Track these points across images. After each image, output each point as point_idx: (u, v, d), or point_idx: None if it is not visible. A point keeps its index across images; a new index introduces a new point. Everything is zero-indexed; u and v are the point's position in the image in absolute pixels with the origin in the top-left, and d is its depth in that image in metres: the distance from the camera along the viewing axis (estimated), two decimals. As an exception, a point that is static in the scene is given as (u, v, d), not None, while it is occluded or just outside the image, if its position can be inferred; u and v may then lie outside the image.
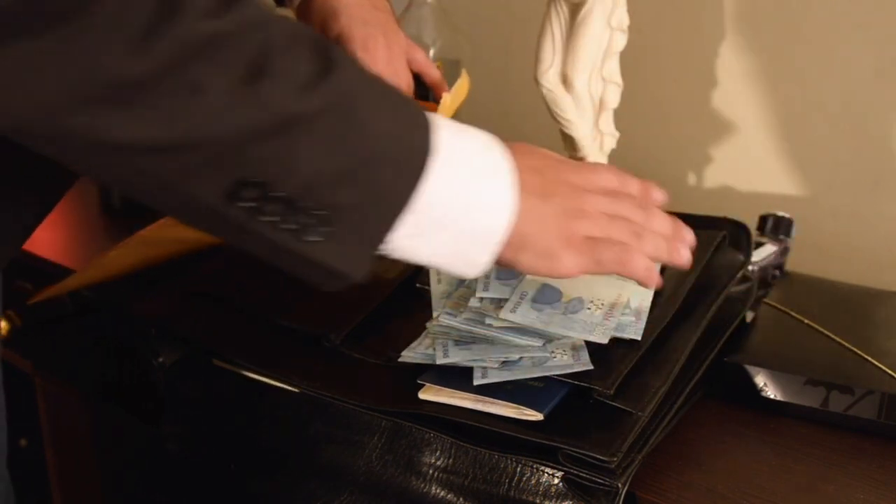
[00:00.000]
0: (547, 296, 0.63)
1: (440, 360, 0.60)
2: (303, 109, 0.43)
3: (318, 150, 0.43)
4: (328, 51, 0.45)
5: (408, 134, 0.47)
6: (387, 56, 0.71)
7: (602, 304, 0.62)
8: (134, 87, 0.40)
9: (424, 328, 0.66)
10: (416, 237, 0.48)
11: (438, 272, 0.71)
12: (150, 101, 0.40)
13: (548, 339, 0.60)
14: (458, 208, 0.48)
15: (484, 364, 0.59)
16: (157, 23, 0.39)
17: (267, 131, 0.42)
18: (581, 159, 0.89)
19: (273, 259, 0.47)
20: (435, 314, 0.65)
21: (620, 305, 0.63)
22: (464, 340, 0.62)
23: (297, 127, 0.43)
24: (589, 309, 0.62)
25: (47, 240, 0.95)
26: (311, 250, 0.45)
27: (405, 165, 0.46)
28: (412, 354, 0.62)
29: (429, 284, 0.73)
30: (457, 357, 0.60)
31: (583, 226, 0.54)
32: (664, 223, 0.57)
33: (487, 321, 0.61)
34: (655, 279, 0.55)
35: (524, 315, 0.61)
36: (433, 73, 0.79)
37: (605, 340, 0.59)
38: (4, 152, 0.48)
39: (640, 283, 0.55)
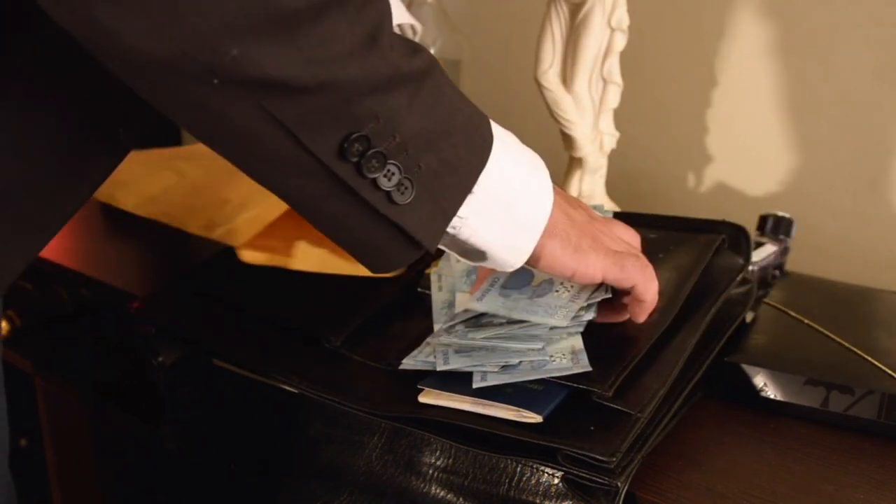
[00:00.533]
0: (517, 280, 0.64)
1: (440, 367, 0.60)
2: (412, 70, 0.46)
3: (417, 111, 0.47)
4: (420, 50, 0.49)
5: (476, 115, 0.51)
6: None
7: (571, 287, 0.62)
8: (292, 21, 0.41)
9: (425, 331, 0.66)
10: (478, 216, 0.51)
11: (440, 279, 0.72)
12: (301, 40, 0.42)
13: (547, 342, 0.60)
14: (513, 191, 0.52)
15: (484, 369, 0.59)
16: None
17: (384, 84, 0.45)
18: (581, 159, 0.89)
19: (351, 229, 0.49)
20: (436, 327, 0.66)
21: (591, 287, 0.63)
22: (464, 349, 0.62)
23: (406, 85, 0.46)
24: (557, 291, 0.62)
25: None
26: (397, 213, 0.48)
27: (477, 143, 0.50)
28: (412, 362, 0.62)
29: (429, 289, 0.73)
30: (457, 363, 0.60)
31: (607, 240, 0.59)
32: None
33: (460, 330, 0.62)
34: (648, 312, 0.61)
35: (490, 303, 0.62)
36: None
37: (565, 323, 0.60)
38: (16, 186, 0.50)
39: (636, 307, 0.60)
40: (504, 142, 0.52)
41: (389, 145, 0.46)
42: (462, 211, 0.51)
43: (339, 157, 0.45)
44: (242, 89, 0.42)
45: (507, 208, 0.52)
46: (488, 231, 0.52)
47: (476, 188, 0.50)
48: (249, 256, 0.74)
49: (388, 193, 0.47)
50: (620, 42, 0.85)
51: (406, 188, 0.47)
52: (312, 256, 0.72)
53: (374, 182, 0.46)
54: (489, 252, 0.54)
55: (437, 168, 0.48)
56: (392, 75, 0.45)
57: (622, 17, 0.84)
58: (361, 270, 0.61)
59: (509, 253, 0.54)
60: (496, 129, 0.52)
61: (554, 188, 0.56)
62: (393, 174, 0.47)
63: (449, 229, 0.51)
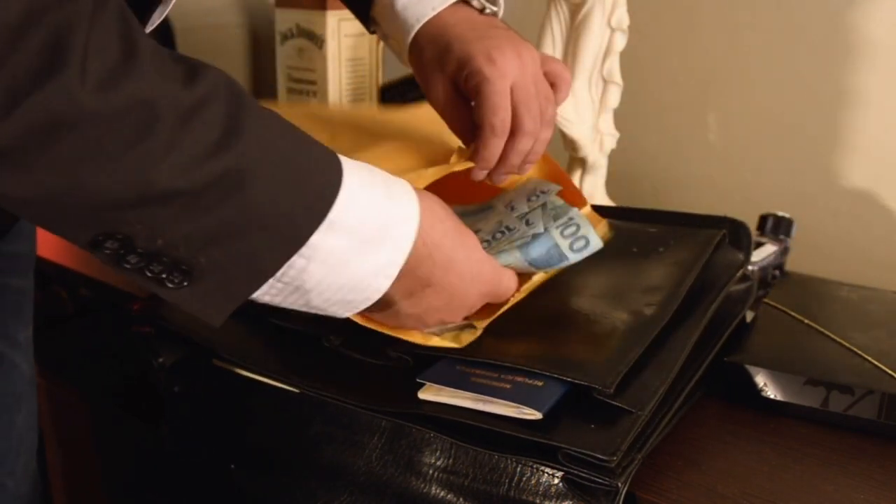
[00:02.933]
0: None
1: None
2: (184, 186, 0.42)
3: (188, 219, 0.43)
4: (241, 115, 0.43)
5: (296, 209, 0.46)
6: (518, 65, 0.64)
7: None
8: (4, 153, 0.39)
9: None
10: (268, 297, 0.49)
11: None
12: (19, 165, 0.39)
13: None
14: (334, 286, 0.50)
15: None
16: (30, 89, 0.38)
17: (138, 202, 0.41)
18: (581, 159, 0.89)
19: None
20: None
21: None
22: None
23: (173, 200, 0.42)
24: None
25: (47, 240, 0.95)
26: (173, 296, 0.46)
27: (282, 239, 0.46)
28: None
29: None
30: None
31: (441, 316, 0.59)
32: None
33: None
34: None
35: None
36: (565, 84, 0.69)
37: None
38: None
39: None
40: (343, 231, 0.48)
41: (155, 246, 0.43)
42: (258, 294, 0.48)
43: (93, 248, 0.43)
44: None
45: (322, 297, 0.50)
46: (296, 305, 0.51)
47: (277, 279, 0.47)
48: None
49: (156, 280, 0.45)
50: (620, 42, 0.85)
51: (177, 279, 0.45)
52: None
53: (138, 271, 0.44)
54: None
55: (222, 262, 0.45)
56: (151, 194, 0.41)
57: (622, 17, 0.84)
58: (415, 337, 0.62)
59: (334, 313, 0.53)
60: (343, 209, 0.47)
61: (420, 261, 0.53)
62: (161, 266, 0.44)
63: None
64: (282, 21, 1.11)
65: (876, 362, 0.67)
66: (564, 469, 0.54)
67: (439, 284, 0.55)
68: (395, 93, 1.11)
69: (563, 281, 0.70)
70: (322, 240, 0.47)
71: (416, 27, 0.67)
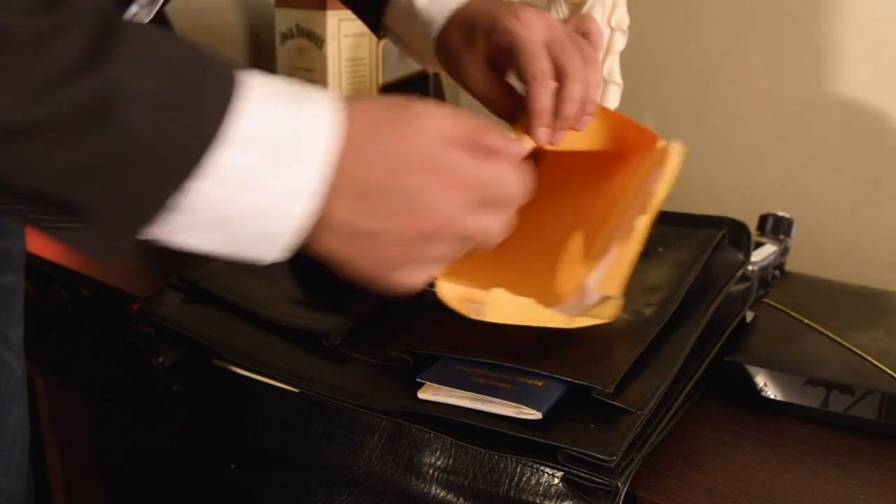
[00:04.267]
0: None
1: None
2: (38, 117, 0.38)
3: (54, 153, 0.39)
4: (108, 38, 0.39)
5: (185, 129, 0.41)
6: (543, 18, 0.63)
7: None
8: None
9: (424, 328, 0.66)
10: (180, 234, 0.44)
11: None
12: None
13: None
14: (248, 211, 0.43)
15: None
16: None
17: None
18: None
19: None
20: None
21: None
22: None
23: (30, 134, 0.38)
24: None
25: (48, 240, 0.95)
26: (60, 237, 0.42)
27: (173, 162, 0.41)
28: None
29: (429, 286, 0.73)
30: None
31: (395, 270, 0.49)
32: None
33: None
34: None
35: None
36: (595, 28, 0.67)
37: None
38: None
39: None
40: (246, 148, 0.42)
41: (20, 187, 0.40)
42: (151, 230, 0.43)
43: None
44: None
45: (228, 228, 0.44)
46: (201, 244, 0.45)
47: (172, 212, 0.42)
48: (446, 290, 0.61)
49: (39, 220, 0.41)
50: (620, 42, 0.85)
51: (60, 220, 0.41)
52: (510, 307, 0.62)
53: (18, 212, 0.41)
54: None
55: (108, 193, 0.41)
56: (6, 128, 0.37)
57: (622, 17, 0.84)
58: (560, 322, 0.60)
59: (250, 257, 0.46)
60: (247, 124, 0.42)
61: (357, 160, 0.44)
62: (34, 208, 0.41)
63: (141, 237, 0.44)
64: (282, 21, 1.11)
65: (876, 362, 0.67)
66: (564, 469, 0.54)
67: (390, 188, 0.46)
68: (395, 93, 1.12)
69: (563, 281, 0.70)
70: (220, 158, 0.42)
71: (442, 21, 0.67)
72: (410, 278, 0.50)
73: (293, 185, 0.44)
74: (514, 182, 0.49)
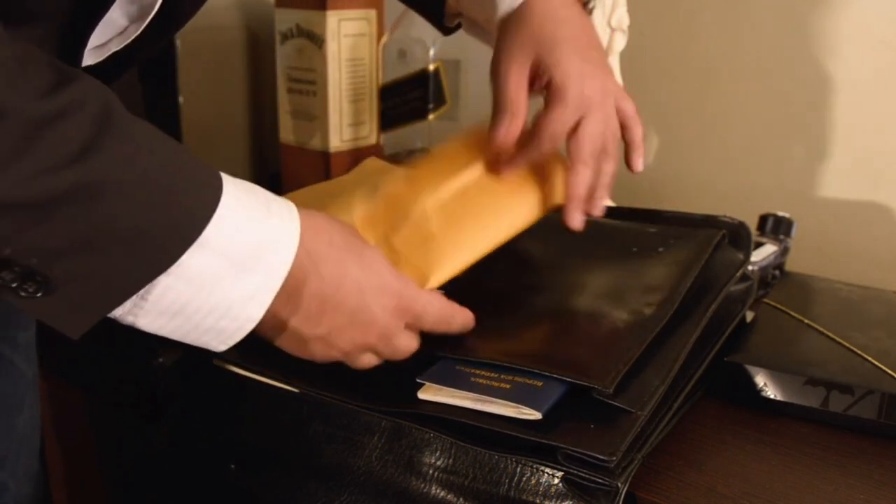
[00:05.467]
0: None
1: None
2: (25, 197, 0.40)
3: (36, 230, 0.41)
4: (105, 128, 0.42)
5: (163, 227, 0.44)
6: (601, 99, 0.64)
7: None
8: None
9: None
10: (141, 318, 0.47)
11: None
12: None
13: None
14: (204, 309, 0.47)
15: None
16: None
17: None
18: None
19: None
20: None
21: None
22: None
23: (17, 211, 0.40)
24: None
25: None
26: (27, 305, 0.44)
27: (145, 256, 0.44)
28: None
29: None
30: None
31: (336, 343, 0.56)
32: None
33: None
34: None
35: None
36: (635, 131, 0.69)
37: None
38: None
39: None
40: (217, 245, 0.46)
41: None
42: (118, 312, 0.46)
43: None
44: None
45: (189, 321, 0.48)
46: (164, 329, 0.48)
47: (138, 298, 0.46)
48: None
49: (9, 288, 0.43)
50: (620, 42, 0.85)
51: (30, 289, 0.43)
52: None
53: None
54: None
55: (79, 273, 0.43)
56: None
57: (622, 17, 0.84)
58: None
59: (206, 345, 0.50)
60: (223, 215, 0.46)
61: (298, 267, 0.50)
62: (8, 276, 0.42)
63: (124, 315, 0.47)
64: (282, 21, 1.11)
65: (876, 362, 0.67)
66: (564, 469, 0.54)
67: (334, 301, 0.52)
68: (395, 93, 1.11)
69: (563, 281, 0.70)
70: (191, 260, 0.45)
71: (507, 10, 0.67)
72: (356, 364, 0.58)
73: (253, 293, 0.48)
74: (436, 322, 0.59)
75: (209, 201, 0.46)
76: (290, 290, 0.50)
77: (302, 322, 0.53)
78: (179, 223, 0.45)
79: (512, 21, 0.66)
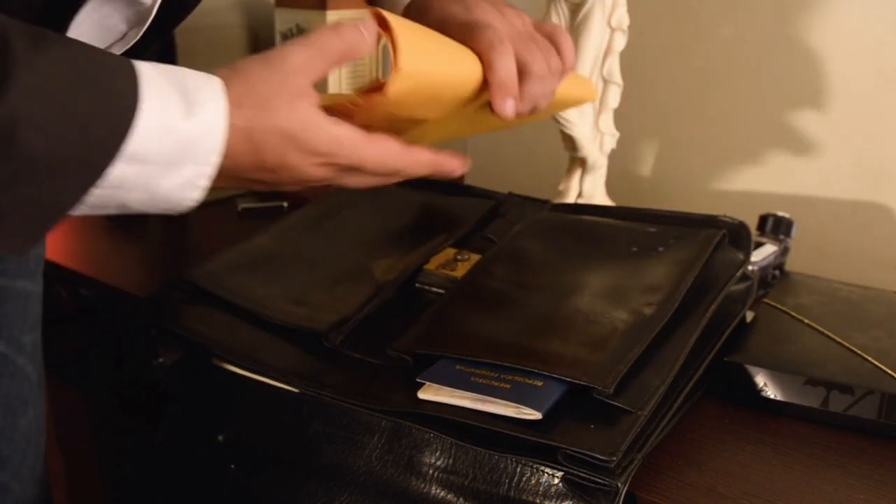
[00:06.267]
0: None
1: None
2: None
3: None
4: (10, 64, 0.43)
5: (85, 149, 0.46)
6: (499, 16, 0.61)
7: None
8: None
9: (424, 327, 0.66)
10: (92, 213, 0.49)
11: None
12: None
13: None
14: (141, 203, 0.50)
15: None
16: None
17: None
18: (581, 159, 0.89)
19: None
20: None
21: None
22: None
23: None
24: None
25: (48, 240, 0.95)
26: None
27: (75, 177, 0.46)
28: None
29: (428, 285, 0.74)
30: None
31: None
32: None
33: None
34: None
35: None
36: (563, 38, 0.64)
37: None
38: None
39: None
40: (140, 152, 0.47)
41: None
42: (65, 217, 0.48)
43: None
44: None
45: (131, 208, 0.50)
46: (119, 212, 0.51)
47: (81, 206, 0.48)
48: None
49: None
50: (620, 42, 0.85)
51: None
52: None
53: None
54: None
55: (16, 202, 0.46)
56: None
57: (622, 17, 0.84)
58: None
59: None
60: (141, 129, 0.47)
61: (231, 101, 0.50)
62: None
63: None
64: (282, 21, 1.11)
65: (876, 362, 0.67)
66: (564, 469, 0.54)
67: (269, 163, 0.53)
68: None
69: (564, 281, 0.70)
70: (115, 171, 0.47)
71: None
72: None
73: (187, 182, 0.50)
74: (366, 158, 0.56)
75: (127, 117, 0.47)
76: (227, 168, 0.52)
77: (250, 175, 0.54)
78: (99, 143, 0.46)
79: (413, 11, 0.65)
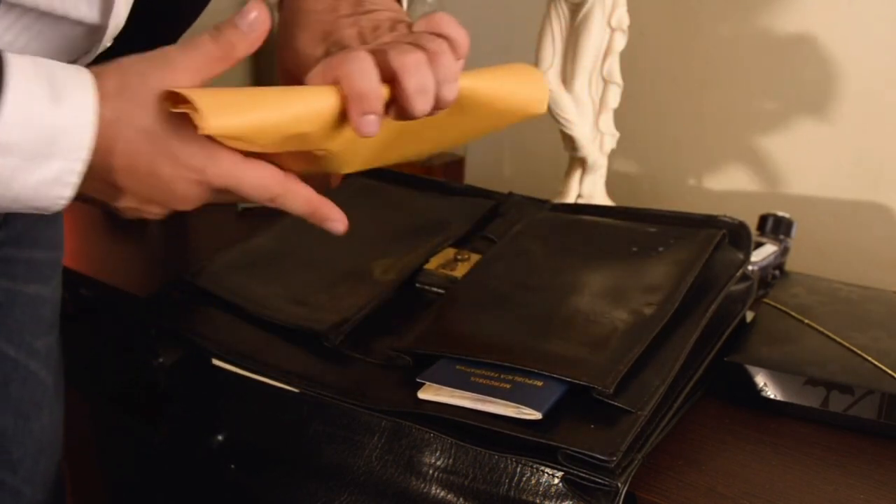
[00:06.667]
0: None
1: None
2: None
3: None
4: None
5: None
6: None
7: None
8: None
9: (424, 328, 0.66)
10: None
11: None
12: None
13: None
14: (6, 199, 0.48)
15: None
16: None
17: None
18: (581, 159, 0.89)
19: None
20: None
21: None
22: None
23: None
24: None
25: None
26: None
27: None
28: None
29: (428, 285, 0.74)
30: None
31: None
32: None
33: None
34: None
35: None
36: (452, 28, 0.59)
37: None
38: None
39: None
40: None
41: None
42: None
43: None
44: None
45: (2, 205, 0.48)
46: None
47: None
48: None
49: None
50: (620, 42, 0.85)
51: None
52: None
53: None
54: None
55: None
56: None
57: (622, 17, 0.84)
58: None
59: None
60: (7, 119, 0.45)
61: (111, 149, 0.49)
62: None
63: None
64: (282, 21, 1.11)
65: (876, 362, 0.67)
66: (564, 469, 0.54)
67: (141, 169, 0.50)
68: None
69: (563, 280, 0.70)
70: None
71: None
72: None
73: (52, 178, 0.48)
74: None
75: None
76: (97, 166, 0.49)
77: (123, 183, 0.51)
78: None
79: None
